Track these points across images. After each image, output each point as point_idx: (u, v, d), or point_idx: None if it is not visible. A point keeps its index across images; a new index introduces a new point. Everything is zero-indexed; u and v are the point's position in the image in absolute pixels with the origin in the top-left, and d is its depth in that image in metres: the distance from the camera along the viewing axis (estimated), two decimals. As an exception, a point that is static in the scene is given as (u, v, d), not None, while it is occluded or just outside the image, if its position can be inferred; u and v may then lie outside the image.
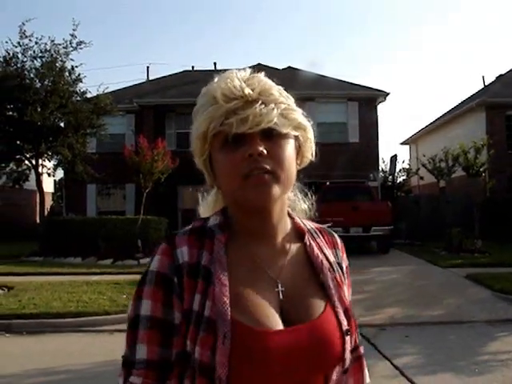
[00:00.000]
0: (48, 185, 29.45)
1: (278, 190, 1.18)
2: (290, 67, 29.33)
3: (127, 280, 12.34)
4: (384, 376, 6.01)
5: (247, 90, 1.22)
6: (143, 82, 32.90)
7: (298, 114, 1.31)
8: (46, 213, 23.17)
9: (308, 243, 1.29)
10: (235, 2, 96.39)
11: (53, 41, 19.74)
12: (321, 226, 1.37)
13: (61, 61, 19.88)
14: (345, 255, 1.37)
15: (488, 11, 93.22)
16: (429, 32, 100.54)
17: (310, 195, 1.44)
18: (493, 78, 34.04)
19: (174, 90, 28.18)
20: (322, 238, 1.34)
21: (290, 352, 1.11)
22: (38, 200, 21.93)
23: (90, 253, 16.67)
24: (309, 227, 1.34)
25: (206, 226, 1.28)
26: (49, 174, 22.06)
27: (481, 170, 21.31)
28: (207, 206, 1.52)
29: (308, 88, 25.79)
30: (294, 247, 1.27)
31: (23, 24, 19.06)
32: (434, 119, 36.09)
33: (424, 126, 36.74)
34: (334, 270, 1.27)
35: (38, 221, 24.55)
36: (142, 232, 17.13)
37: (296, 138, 1.28)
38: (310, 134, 1.32)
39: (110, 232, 16.99)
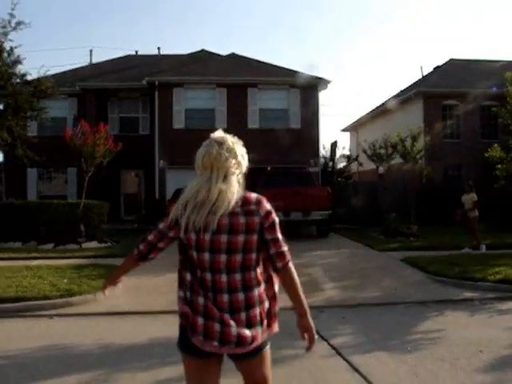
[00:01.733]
0: (-14, 168, 28.68)
1: None
2: (233, 53, 29.33)
3: (69, 264, 12.27)
4: (321, 356, 6.20)
5: None
6: (86, 66, 32.34)
7: None
8: (-17, 197, 22.63)
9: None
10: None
11: (-11, 20, 19.18)
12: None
13: (-1, 41, 19.34)
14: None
15: (431, 8, 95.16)
16: (373, 23, 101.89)
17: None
18: (431, 69, 34.91)
19: (118, 74, 27.87)
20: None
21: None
22: (-25, 184, 21.41)
23: (30, 237, 16.45)
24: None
25: None
26: (-13, 158, 21.54)
27: (417, 157, 21.94)
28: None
29: (250, 74, 25.92)
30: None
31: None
32: (374, 107, 36.76)
33: (364, 114, 37.39)
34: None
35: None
36: (84, 216, 16.97)
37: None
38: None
39: (52, 216, 16.74)
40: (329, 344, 6.70)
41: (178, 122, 25.33)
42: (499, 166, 14.76)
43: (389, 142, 23.71)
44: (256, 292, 2.87)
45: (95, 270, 11.55)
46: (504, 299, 9.50)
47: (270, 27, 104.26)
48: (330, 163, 30.57)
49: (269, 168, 20.10)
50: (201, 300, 2.80)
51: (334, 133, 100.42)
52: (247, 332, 2.79)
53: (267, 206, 2.92)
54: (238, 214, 2.81)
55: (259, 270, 2.92)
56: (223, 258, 2.79)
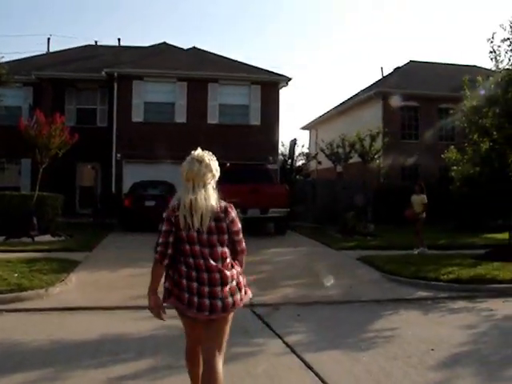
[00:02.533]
0: None
1: None
2: (194, 47, 29.17)
3: (20, 258, 11.95)
4: (275, 353, 6.20)
5: None
6: (43, 54, 31.66)
7: None
8: None
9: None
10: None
11: None
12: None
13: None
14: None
15: (392, 11, 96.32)
16: (335, 22, 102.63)
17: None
18: (390, 70, 35.28)
19: (76, 64, 27.36)
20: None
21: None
22: None
23: (-20, 230, 16.00)
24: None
25: None
26: None
27: (375, 157, 22.20)
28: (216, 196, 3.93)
29: (212, 69, 25.82)
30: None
31: None
32: (334, 106, 37.01)
33: (324, 112, 37.61)
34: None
35: None
36: (37, 209, 16.61)
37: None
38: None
39: (4, 208, 16.33)
40: (283, 342, 6.70)
41: (137, 115, 25.05)
42: (455, 167, 15.00)
43: (346, 142, 23.91)
44: (230, 273, 3.92)
45: (48, 265, 11.25)
46: (456, 298, 9.69)
47: (233, 23, 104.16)
48: (289, 161, 30.65)
49: (227, 164, 20.01)
50: (185, 281, 3.85)
51: (293, 130, 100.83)
52: (230, 300, 3.87)
53: (232, 213, 3.97)
54: (211, 220, 3.86)
55: (231, 258, 4.00)
56: (207, 250, 3.87)
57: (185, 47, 29.74)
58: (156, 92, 25.50)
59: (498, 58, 13.69)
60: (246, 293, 4.07)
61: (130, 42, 76.26)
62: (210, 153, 4.03)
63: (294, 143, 29.98)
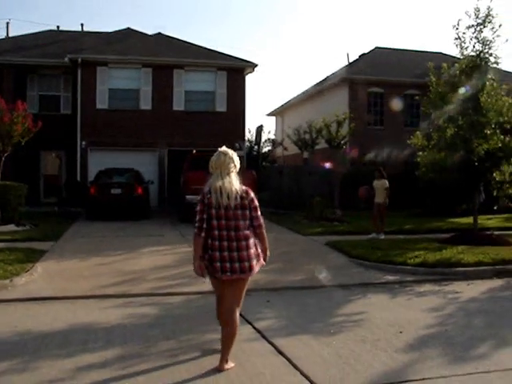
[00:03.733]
0: None
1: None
2: (159, 33, 28.84)
3: (-16, 248, 11.74)
4: (245, 340, 6.18)
5: None
6: (2, 39, 30.94)
7: None
8: None
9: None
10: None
11: None
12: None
13: None
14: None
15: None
16: (302, 7, 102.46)
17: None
18: (356, 57, 35.37)
19: (37, 49, 26.82)
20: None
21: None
22: None
23: None
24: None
25: None
26: None
27: (342, 142, 22.30)
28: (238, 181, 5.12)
29: (177, 55, 25.61)
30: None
31: None
32: (300, 92, 37.04)
33: (291, 99, 37.62)
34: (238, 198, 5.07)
35: None
36: (0, 198, 16.28)
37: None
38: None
39: (-35, 198, 15.98)
40: (253, 327, 6.71)
41: (101, 102, 24.71)
42: (420, 153, 15.12)
43: (313, 128, 23.98)
44: (251, 241, 5.09)
45: (12, 255, 11.07)
46: (422, 282, 9.85)
47: (198, 9, 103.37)
48: (256, 147, 30.65)
49: (193, 151, 19.94)
50: (217, 254, 4.98)
51: (260, 117, 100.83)
52: (246, 264, 5.00)
53: (251, 194, 5.13)
54: (236, 198, 5.00)
55: (251, 229, 5.14)
56: (232, 222, 5.00)
57: (150, 33, 29.41)
58: (120, 78, 25.18)
59: (462, 44, 13.84)
60: (259, 260, 5.18)
61: (93, 27, 75.16)
62: (232, 150, 5.25)
63: (260, 129, 29.98)
